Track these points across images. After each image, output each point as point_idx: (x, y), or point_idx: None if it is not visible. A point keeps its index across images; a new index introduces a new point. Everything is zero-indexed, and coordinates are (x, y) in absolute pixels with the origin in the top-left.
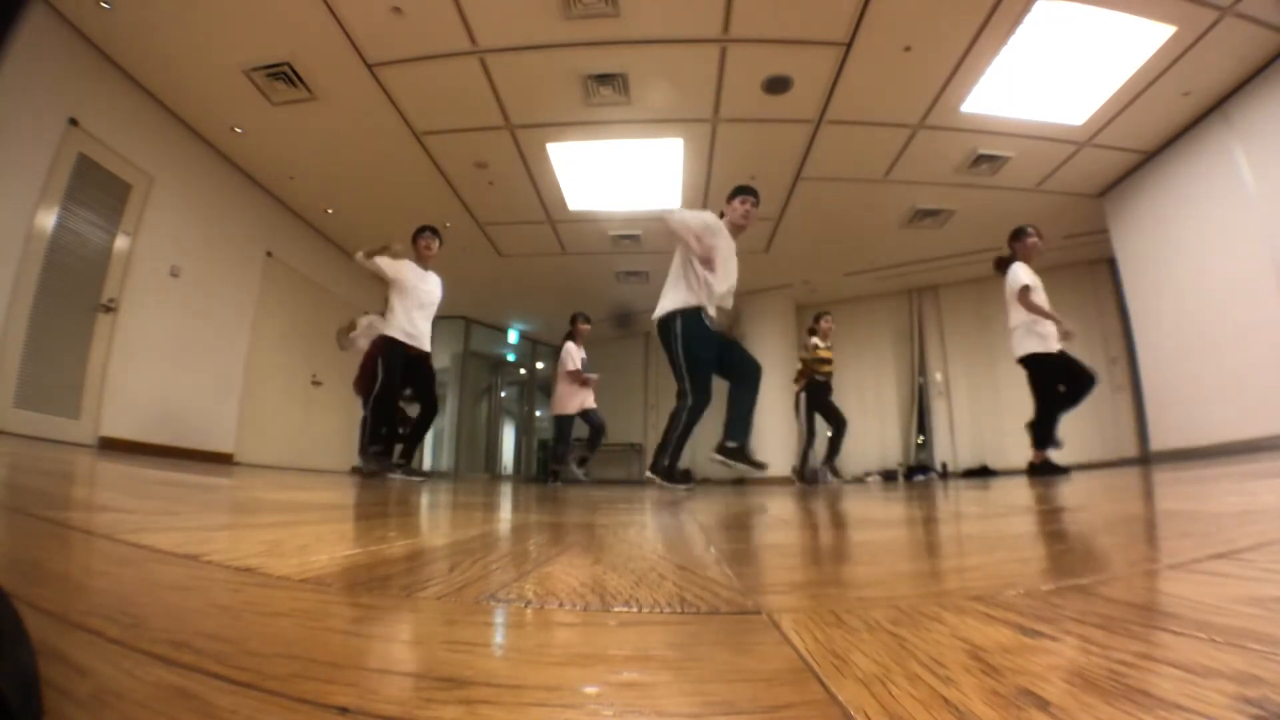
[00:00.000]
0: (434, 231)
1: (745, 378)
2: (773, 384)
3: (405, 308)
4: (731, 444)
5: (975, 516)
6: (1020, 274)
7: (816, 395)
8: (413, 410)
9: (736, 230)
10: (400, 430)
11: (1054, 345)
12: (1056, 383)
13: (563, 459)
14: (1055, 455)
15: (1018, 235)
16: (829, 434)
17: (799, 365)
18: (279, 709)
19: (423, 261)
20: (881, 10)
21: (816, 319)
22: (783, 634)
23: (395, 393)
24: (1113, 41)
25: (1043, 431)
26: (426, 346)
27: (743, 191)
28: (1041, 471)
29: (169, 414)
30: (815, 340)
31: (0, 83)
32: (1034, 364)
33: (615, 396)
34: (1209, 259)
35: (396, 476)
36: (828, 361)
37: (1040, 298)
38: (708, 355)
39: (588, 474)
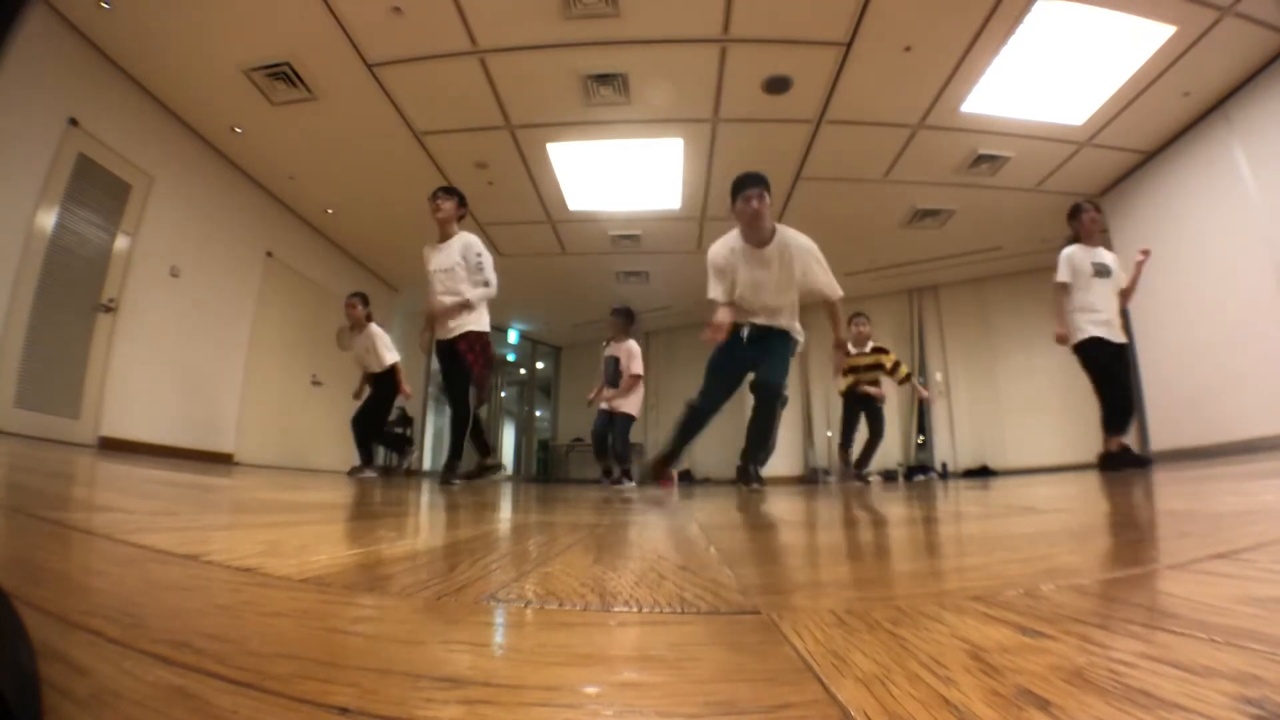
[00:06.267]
0: (445, 191)
1: (755, 394)
2: None
3: (431, 293)
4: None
5: (975, 516)
6: (1060, 265)
7: (848, 404)
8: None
9: (752, 229)
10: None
11: (1093, 332)
12: (1098, 370)
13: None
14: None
15: (1074, 213)
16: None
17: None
18: (279, 709)
19: (439, 230)
20: (881, 10)
21: (849, 321)
22: (782, 634)
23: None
24: (1113, 41)
25: (1105, 414)
26: (455, 329)
27: (737, 189)
28: (1111, 464)
29: (169, 414)
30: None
31: (0, 83)
32: (1076, 352)
33: None
34: (1209, 259)
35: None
36: (859, 369)
37: (1091, 283)
38: (719, 365)
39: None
